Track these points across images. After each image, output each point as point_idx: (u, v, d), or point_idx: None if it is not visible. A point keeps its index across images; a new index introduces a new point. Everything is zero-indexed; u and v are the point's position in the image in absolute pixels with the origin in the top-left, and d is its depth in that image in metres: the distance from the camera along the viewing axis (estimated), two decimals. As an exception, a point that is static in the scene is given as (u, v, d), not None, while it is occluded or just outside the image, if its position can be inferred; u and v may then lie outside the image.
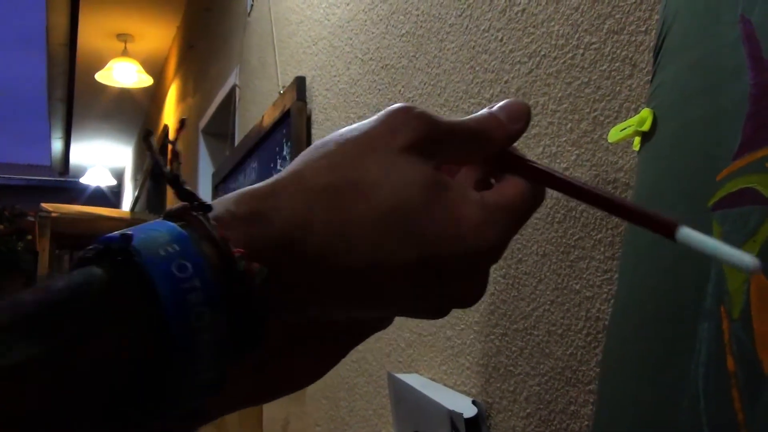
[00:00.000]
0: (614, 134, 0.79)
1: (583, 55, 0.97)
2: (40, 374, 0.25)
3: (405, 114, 0.37)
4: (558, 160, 1.01)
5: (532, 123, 1.06)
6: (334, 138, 0.38)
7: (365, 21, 1.74)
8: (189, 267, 0.29)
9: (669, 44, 0.74)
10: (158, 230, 0.31)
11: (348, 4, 1.87)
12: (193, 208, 0.32)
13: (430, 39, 1.41)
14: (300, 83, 2.12)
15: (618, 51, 0.90)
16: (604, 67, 0.93)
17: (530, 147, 1.07)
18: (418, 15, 1.47)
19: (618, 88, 0.90)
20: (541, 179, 0.41)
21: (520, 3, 1.11)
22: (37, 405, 0.24)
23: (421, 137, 0.37)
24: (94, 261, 0.30)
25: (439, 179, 0.37)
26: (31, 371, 0.25)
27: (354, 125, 0.39)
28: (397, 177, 0.35)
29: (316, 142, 0.39)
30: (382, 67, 1.63)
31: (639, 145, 0.76)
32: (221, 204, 0.34)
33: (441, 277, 0.36)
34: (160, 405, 0.29)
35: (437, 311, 0.38)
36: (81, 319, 0.27)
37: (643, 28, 0.87)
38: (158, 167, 0.36)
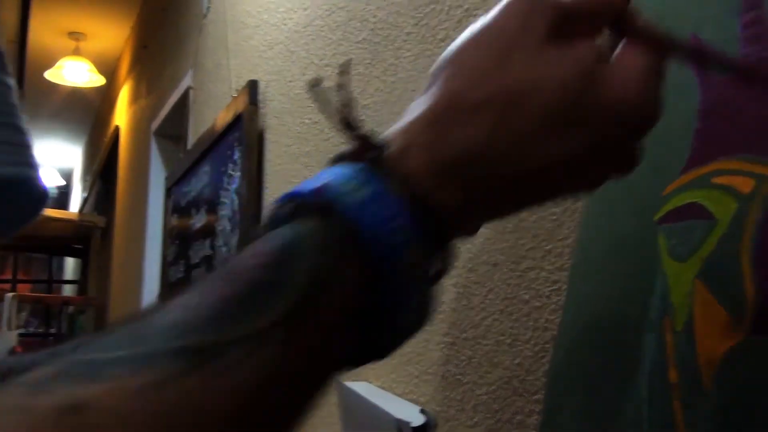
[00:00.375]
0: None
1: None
2: (301, 325, 0.26)
3: (529, 4, 0.36)
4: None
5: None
6: (468, 47, 0.37)
7: (322, 27, 1.74)
8: (388, 207, 0.30)
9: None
10: (345, 176, 0.31)
11: (305, 10, 1.86)
12: (368, 148, 0.33)
13: (386, 47, 1.41)
14: (253, 87, 2.10)
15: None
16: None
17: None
18: (375, 22, 1.47)
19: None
20: (659, 45, 0.40)
21: (476, 14, 1.12)
22: (305, 354, 0.26)
23: (554, 22, 0.36)
24: (290, 218, 0.31)
25: (587, 61, 0.36)
26: (292, 323, 0.26)
27: (478, 26, 0.38)
28: (551, 73, 0.34)
29: (447, 55, 0.38)
30: (335, 73, 1.63)
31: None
32: (392, 140, 0.34)
33: (609, 153, 0.37)
34: (381, 341, 0.31)
35: (600, 183, 0.39)
36: (315, 272, 0.27)
37: (596, 43, 0.88)
38: (337, 110, 0.36)
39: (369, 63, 1.48)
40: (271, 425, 0.26)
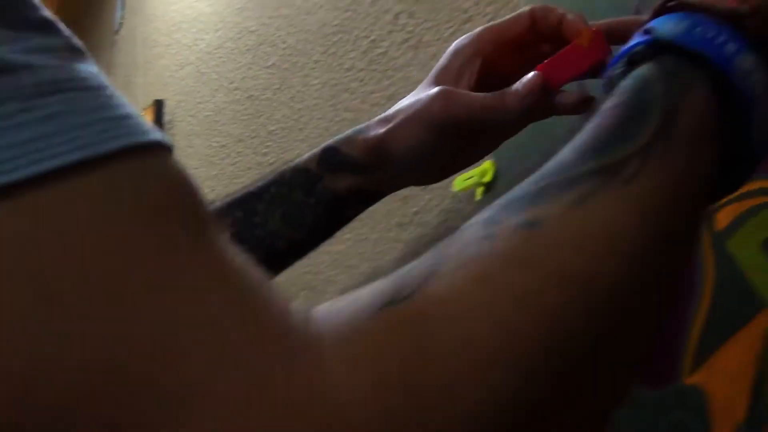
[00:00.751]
0: (459, 183, 0.80)
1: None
2: (668, 139, 0.30)
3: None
4: (409, 204, 1.01)
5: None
6: None
7: (233, 50, 1.71)
8: (712, 29, 0.33)
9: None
10: (665, 20, 0.35)
11: (217, 32, 1.83)
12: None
13: (294, 73, 1.40)
14: (158, 106, 2.06)
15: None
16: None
17: (384, 189, 1.07)
18: (284, 48, 1.46)
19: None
20: None
21: (381, 46, 1.12)
22: (678, 165, 0.30)
23: None
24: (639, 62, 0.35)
25: None
26: (661, 138, 0.30)
27: None
28: None
29: None
30: (247, 97, 1.61)
31: (481, 195, 0.77)
32: None
33: None
34: (741, 160, 0.34)
35: None
36: (670, 94, 0.32)
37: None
38: None
39: (277, 88, 1.47)
40: (666, 230, 0.29)
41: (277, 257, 0.55)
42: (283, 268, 0.56)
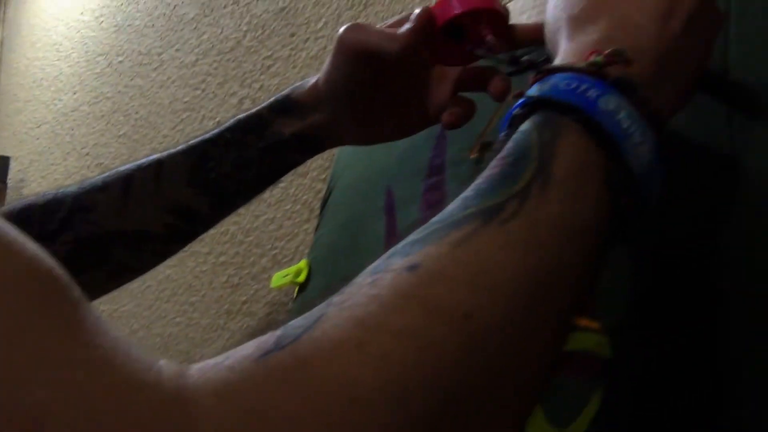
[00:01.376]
0: (277, 280, 0.79)
1: (272, 191, 0.97)
2: (546, 180, 0.33)
3: None
4: (238, 293, 0.99)
5: (221, 252, 1.04)
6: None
7: (88, 114, 1.66)
8: (578, 83, 0.36)
9: (333, 200, 0.76)
10: (556, 80, 0.36)
11: (75, 93, 1.78)
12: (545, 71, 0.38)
13: (144, 145, 1.37)
14: (3, 164, 1.96)
15: (300, 194, 0.92)
16: (288, 207, 0.94)
17: (217, 274, 1.04)
18: (137, 119, 1.42)
19: (296, 230, 0.91)
20: None
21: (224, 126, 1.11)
22: (556, 201, 0.32)
23: None
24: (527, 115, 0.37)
25: None
26: (539, 180, 0.32)
27: None
28: None
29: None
30: (97, 165, 1.56)
31: (297, 294, 0.76)
32: (572, 58, 0.39)
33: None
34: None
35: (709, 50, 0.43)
36: (543, 142, 0.34)
37: (323, 176, 0.89)
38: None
39: (126, 159, 1.42)
40: (549, 265, 0.31)
41: (226, 199, 0.60)
42: (232, 209, 0.61)
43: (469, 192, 0.33)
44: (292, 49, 1.01)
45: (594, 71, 0.36)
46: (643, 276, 0.45)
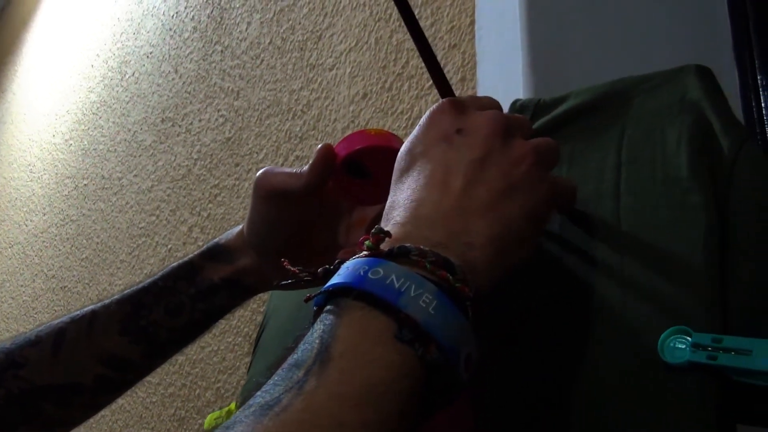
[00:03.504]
0: (209, 421, 0.77)
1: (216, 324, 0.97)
2: (324, 370, 0.33)
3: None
4: (184, 427, 0.97)
5: (170, 383, 1.02)
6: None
7: (56, 236, 1.67)
8: (347, 268, 0.37)
9: (264, 339, 0.75)
10: (340, 272, 0.37)
11: (44, 215, 1.79)
12: (396, 253, 0.38)
13: (103, 270, 1.37)
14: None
15: (242, 326, 0.91)
16: (230, 339, 0.93)
17: (165, 406, 1.02)
18: (98, 243, 1.43)
19: (238, 363, 0.90)
20: None
21: (176, 256, 1.11)
22: (335, 387, 0.32)
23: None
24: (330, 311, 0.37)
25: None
26: (316, 369, 0.32)
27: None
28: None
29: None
30: (61, 288, 1.55)
31: (228, 437, 0.74)
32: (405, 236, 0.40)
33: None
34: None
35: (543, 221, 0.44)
36: (323, 333, 0.35)
37: (263, 309, 0.89)
38: None
39: (87, 283, 1.42)
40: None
41: (159, 347, 0.59)
42: (163, 359, 0.60)
43: (256, 392, 0.33)
44: (236, 178, 1.02)
45: (370, 253, 0.38)
46: None
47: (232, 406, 0.74)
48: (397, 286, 0.36)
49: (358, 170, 0.54)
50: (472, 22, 0.69)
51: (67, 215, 1.63)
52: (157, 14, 1.39)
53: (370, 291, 0.36)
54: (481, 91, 0.66)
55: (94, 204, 1.49)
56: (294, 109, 0.92)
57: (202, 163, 1.12)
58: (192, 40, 1.24)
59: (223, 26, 1.15)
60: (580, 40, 0.67)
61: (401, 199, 0.43)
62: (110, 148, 1.48)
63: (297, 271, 0.48)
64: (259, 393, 0.33)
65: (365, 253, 0.38)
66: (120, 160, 1.42)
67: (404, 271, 0.36)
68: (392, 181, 0.45)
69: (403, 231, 0.40)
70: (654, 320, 0.42)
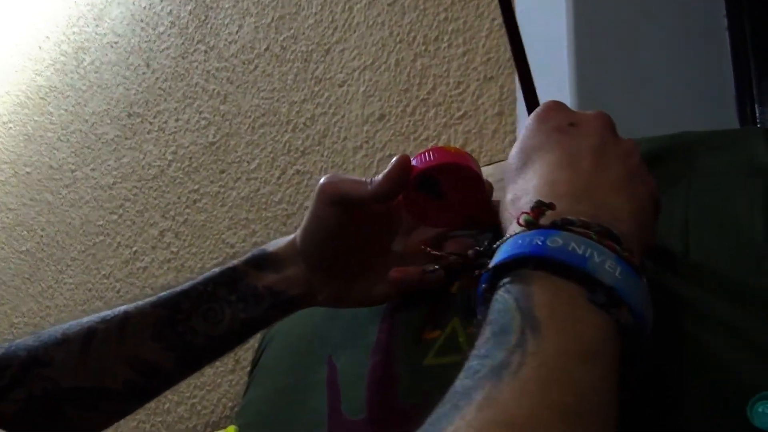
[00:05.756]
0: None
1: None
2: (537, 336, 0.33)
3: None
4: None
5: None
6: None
7: (-12, 224, 1.57)
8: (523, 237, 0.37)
9: (265, 363, 0.73)
10: (505, 247, 0.38)
11: (-27, 199, 1.68)
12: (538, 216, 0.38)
13: (49, 266, 1.29)
14: None
15: (225, 341, 0.88)
16: (210, 354, 0.89)
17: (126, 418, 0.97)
18: (42, 236, 1.35)
19: (219, 380, 0.87)
20: None
21: (143, 260, 1.06)
22: (553, 356, 0.32)
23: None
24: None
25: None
26: (528, 336, 0.33)
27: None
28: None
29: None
30: (-6, 281, 1.46)
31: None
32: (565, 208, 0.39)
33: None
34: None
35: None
36: (521, 300, 0.35)
37: (251, 325, 0.86)
38: None
39: (28, 278, 1.34)
40: (572, 392, 0.31)
41: (193, 356, 0.56)
42: (198, 367, 0.57)
43: (470, 362, 0.33)
44: (221, 186, 0.99)
45: (531, 226, 0.38)
46: None
47: (231, 429, 0.71)
48: (580, 252, 0.36)
49: (431, 188, 0.52)
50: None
51: (3, 203, 1.53)
52: (125, 3, 1.33)
53: (556, 258, 0.36)
54: (522, 127, 0.66)
55: (38, 194, 1.41)
56: (295, 121, 0.90)
57: (179, 165, 1.07)
58: (169, 35, 1.19)
59: (208, 25, 1.11)
60: (629, 79, 0.68)
61: (530, 186, 0.42)
62: (61, 137, 1.41)
63: (446, 255, 0.46)
64: (474, 363, 0.33)
65: (522, 228, 0.38)
66: (73, 150, 1.35)
67: (582, 239, 0.36)
68: (507, 181, 0.45)
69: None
70: (745, 379, 0.43)
